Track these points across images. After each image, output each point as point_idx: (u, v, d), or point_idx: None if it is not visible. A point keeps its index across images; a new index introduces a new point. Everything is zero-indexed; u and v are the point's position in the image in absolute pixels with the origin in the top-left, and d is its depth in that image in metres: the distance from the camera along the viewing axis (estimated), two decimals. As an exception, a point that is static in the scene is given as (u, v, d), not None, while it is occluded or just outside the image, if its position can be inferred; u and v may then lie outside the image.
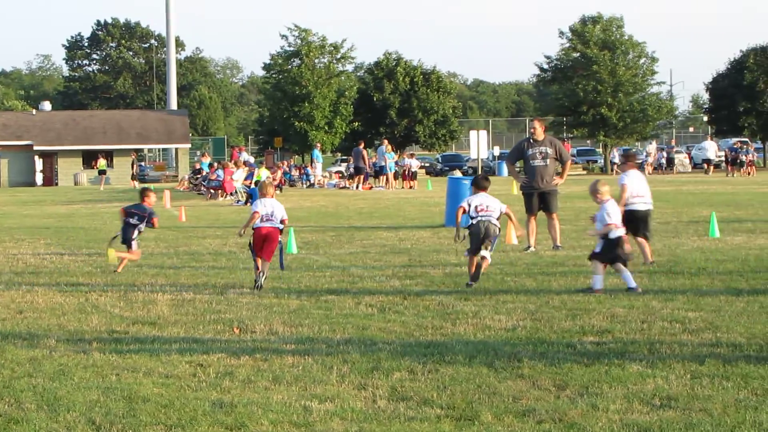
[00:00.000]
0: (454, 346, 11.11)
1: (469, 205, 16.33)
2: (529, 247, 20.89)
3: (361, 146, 58.75)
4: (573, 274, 16.84)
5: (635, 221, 17.96)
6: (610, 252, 15.11)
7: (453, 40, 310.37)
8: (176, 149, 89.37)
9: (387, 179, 57.29)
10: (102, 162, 76.65)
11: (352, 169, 59.49)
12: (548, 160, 20.99)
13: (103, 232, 28.01)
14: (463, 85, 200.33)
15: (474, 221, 16.14)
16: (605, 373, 9.76)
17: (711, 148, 76.53)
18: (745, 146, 71.56)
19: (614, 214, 15.23)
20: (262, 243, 16.43)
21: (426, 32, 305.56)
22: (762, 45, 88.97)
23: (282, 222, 16.64)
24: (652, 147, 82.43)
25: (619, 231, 15.24)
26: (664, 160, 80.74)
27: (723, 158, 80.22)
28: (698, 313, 12.90)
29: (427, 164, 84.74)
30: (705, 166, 74.82)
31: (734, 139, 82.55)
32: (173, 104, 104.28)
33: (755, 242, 21.51)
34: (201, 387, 9.63)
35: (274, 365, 10.46)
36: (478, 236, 15.94)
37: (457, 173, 67.65)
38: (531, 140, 21.43)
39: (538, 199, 21.17)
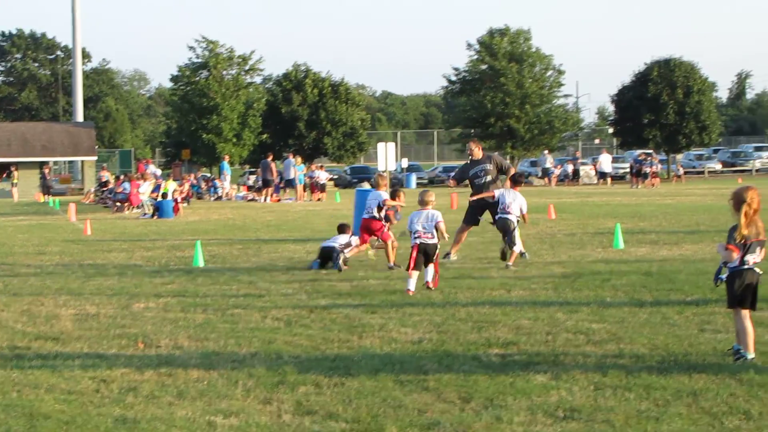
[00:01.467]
0: (360, 360, 11.13)
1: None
2: (448, 254, 21.43)
3: (270, 158, 58.57)
4: (479, 288, 16.92)
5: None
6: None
7: (361, 52, 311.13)
8: (82, 162, 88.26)
9: (296, 191, 57.13)
10: (16, 174, 75.34)
11: (260, 182, 59.33)
12: (490, 176, 21.99)
13: (7, 246, 27.60)
14: (371, 97, 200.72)
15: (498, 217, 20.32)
16: (510, 385, 9.83)
17: (606, 161, 77.53)
18: (649, 158, 72.47)
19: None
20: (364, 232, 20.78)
21: (334, 44, 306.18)
22: (665, 58, 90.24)
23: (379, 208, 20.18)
24: (545, 159, 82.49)
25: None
26: (570, 172, 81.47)
27: (618, 171, 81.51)
28: (602, 324, 13.04)
29: (335, 176, 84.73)
30: (606, 178, 75.80)
31: (639, 151, 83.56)
32: (79, 116, 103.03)
33: (659, 253, 21.79)
34: (104, 403, 9.53)
35: (179, 380, 10.39)
36: (501, 231, 20.06)
37: (366, 185, 67.77)
38: (471, 161, 22.48)
39: (481, 212, 22.13)
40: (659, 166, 77.19)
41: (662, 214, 34.93)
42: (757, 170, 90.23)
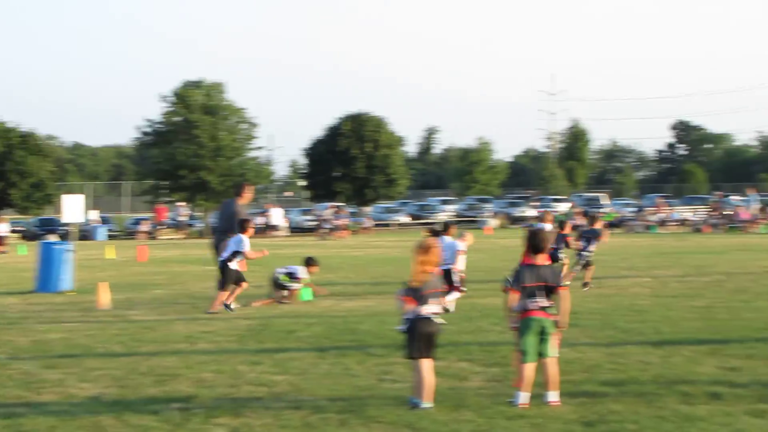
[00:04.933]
0: (36, 416, 10.80)
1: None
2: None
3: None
4: (163, 341, 16.75)
5: None
6: None
7: (52, 102, 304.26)
8: None
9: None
10: None
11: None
12: None
13: None
14: (61, 148, 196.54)
15: None
16: (188, 439, 9.77)
17: (277, 214, 78.46)
18: (339, 211, 73.69)
19: None
20: None
21: (25, 94, 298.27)
22: (356, 112, 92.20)
23: None
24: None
25: None
26: (262, 224, 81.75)
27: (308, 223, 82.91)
28: (284, 376, 13.11)
29: (23, 228, 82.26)
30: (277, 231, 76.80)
31: (329, 204, 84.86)
32: None
33: (343, 305, 22.12)
34: None
35: None
36: None
37: (53, 237, 66.14)
38: None
39: None
40: (348, 218, 78.61)
41: (349, 266, 35.51)
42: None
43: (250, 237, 21.86)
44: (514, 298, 11.22)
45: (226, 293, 21.19)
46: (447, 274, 20.47)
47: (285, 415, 10.69)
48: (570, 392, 11.36)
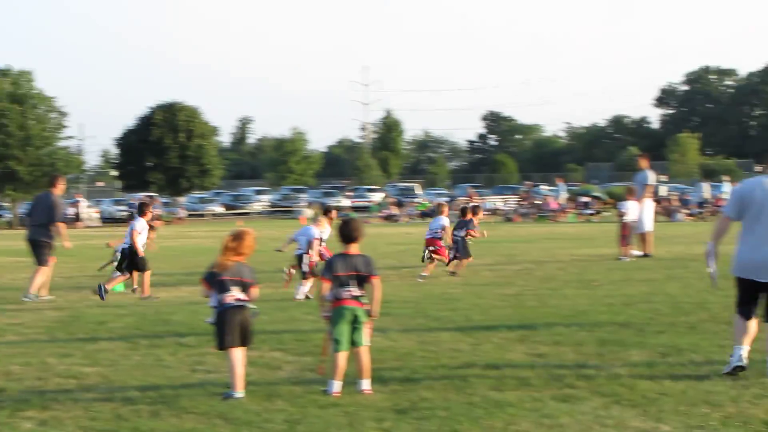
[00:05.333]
0: None
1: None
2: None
3: None
4: (-32, 333, 16.38)
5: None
6: None
7: None
8: None
9: None
10: None
11: None
12: None
13: None
14: None
15: None
16: (-6, 433, 9.56)
17: (82, 205, 77.58)
18: (152, 201, 72.76)
19: None
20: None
21: None
22: (169, 102, 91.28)
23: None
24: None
25: None
26: (73, 215, 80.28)
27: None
28: (94, 368, 12.92)
29: None
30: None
31: (142, 194, 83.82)
32: None
33: (157, 295, 21.89)
34: None
35: None
36: None
37: None
38: None
39: None
40: (162, 208, 77.78)
41: (162, 257, 35.03)
42: (258, 213, 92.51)
43: (148, 221, 22.58)
44: (327, 287, 11.26)
45: (147, 277, 21.82)
46: (299, 261, 21.54)
47: (95, 408, 10.55)
48: (383, 380, 11.47)
